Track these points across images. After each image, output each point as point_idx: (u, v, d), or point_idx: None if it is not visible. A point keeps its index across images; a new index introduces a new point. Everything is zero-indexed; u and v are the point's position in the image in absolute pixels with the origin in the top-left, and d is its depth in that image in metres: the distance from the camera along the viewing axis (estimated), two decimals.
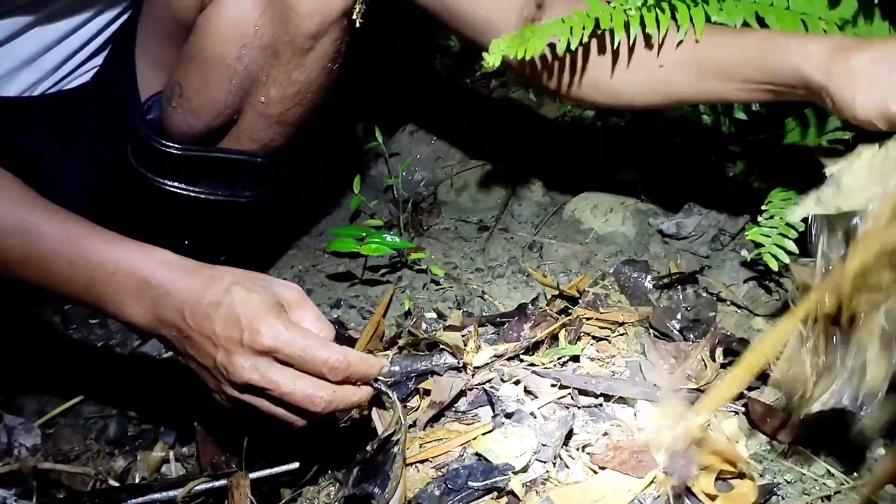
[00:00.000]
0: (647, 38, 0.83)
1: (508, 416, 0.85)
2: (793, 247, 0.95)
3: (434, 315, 1.08)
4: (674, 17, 0.81)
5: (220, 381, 0.69)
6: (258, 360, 0.67)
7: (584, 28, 0.82)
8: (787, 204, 0.98)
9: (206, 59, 0.87)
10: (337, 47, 0.87)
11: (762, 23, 0.81)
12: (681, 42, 0.83)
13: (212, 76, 0.88)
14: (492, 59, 0.81)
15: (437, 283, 1.15)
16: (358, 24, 0.84)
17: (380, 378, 0.72)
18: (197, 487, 0.75)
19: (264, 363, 0.67)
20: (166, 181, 0.95)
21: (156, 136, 0.93)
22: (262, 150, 0.94)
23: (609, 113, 1.32)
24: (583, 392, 0.86)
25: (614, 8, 0.82)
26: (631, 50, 0.85)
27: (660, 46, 0.83)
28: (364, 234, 1.13)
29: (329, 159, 1.39)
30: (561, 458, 0.80)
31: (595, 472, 0.78)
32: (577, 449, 0.81)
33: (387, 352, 0.98)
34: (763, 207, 0.99)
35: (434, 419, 0.87)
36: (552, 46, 0.83)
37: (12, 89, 0.94)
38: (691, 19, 0.80)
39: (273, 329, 0.66)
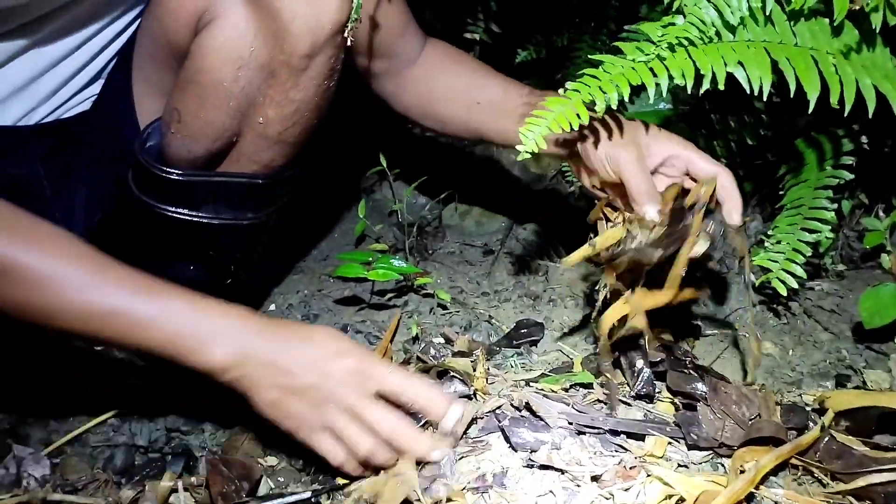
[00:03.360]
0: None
1: (519, 442, 0.85)
2: (801, 271, 0.96)
3: (441, 340, 1.08)
4: (693, 63, 0.79)
5: (316, 402, 0.75)
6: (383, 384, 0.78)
7: (617, 86, 0.78)
8: (793, 228, 0.99)
9: (203, 83, 0.87)
10: (332, 64, 0.87)
11: (775, 65, 0.80)
12: None
13: (209, 100, 0.88)
14: (529, 147, 0.77)
15: (444, 308, 1.15)
16: (349, 42, 0.84)
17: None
18: None
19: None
20: (169, 207, 0.94)
21: (156, 162, 0.93)
22: (263, 171, 0.94)
23: None
24: (589, 427, 0.85)
25: (634, 60, 0.80)
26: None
27: None
28: (370, 258, 1.13)
29: (334, 183, 1.39)
30: (573, 485, 0.80)
31: (606, 499, 0.78)
32: (588, 476, 0.81)
33: None
34: (769, 232, 1.00)
35: None
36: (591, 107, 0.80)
37: (7, 118, 0.93)
38: (712, 65, 0.78)
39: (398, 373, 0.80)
